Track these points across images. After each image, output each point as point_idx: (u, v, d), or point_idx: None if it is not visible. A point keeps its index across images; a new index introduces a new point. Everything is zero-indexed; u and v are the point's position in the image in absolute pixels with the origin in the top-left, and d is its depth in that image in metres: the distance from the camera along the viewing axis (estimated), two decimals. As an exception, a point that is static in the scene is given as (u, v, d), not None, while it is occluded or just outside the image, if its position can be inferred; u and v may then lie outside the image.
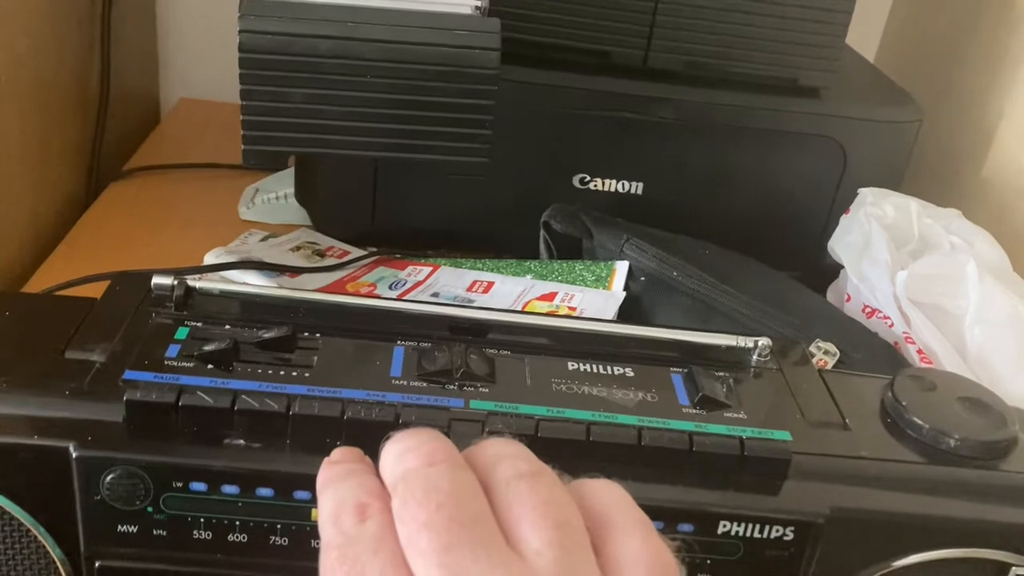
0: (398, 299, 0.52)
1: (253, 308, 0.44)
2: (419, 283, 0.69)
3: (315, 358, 0.40)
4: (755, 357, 0.43)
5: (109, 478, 0.35)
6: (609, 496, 0.28)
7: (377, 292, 0.68)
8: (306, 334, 0.41)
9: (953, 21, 0.88)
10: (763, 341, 0.43)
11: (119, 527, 0.36)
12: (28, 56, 0.69)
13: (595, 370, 0.42)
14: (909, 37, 0.98)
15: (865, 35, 0.98)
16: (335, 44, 0.50)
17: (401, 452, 0.28)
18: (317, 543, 0.36)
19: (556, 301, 0.64)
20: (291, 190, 0.78)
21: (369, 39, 0.50)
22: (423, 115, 0.52)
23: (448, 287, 0.68)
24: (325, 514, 0.28)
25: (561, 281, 0.67)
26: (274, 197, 0.79)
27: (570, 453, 0.36)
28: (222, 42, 0.95)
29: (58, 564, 0.37)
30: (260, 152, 0.52)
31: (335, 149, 0.52)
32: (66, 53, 0.76)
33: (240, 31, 0.49)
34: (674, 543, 0.28)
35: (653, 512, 0.36)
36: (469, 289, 0.67)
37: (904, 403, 0.41)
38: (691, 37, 0.69)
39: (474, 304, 0.65)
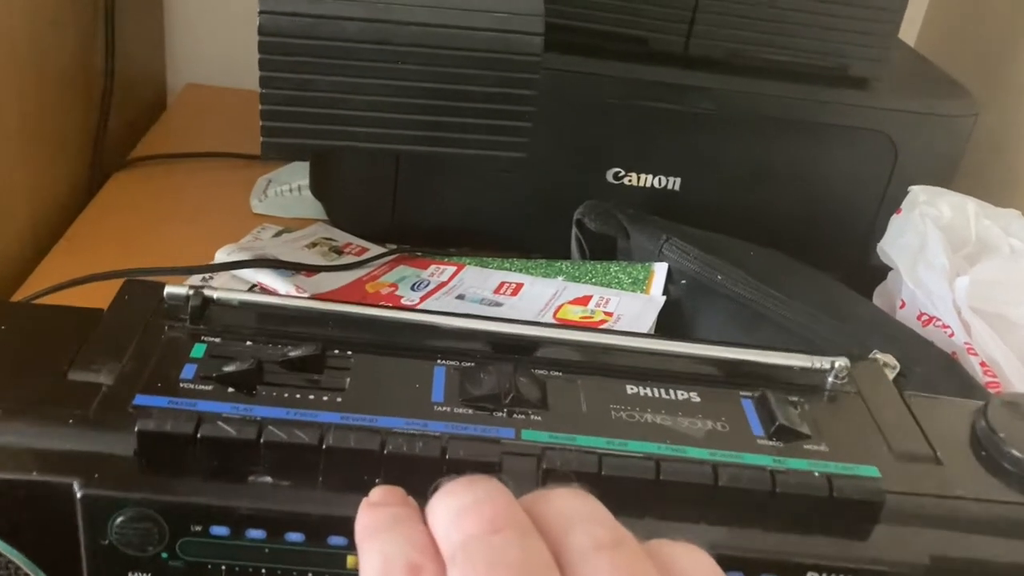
0: (433, 311, 0.48)
1: (275, 320, 0.39)
2: (443, 284, 0.65)
3: (347, 379, 0.36)
4: (831, 379, 0.39)
5: (119, 520, 0.31)
6: (694, 566, 0.24)
7: (399, 293, 0.64)
8: (336, 351, 0.37)
9: (1003, 3, 0.83)
10: (840, 362, 0.39)
11: (129, 575, 0.32)
12: (28, 39, 0.65)
13: (657, 394, 0.37)
14: (952, 23, 0.93)
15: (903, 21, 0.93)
16: (364, 27, 0.45)
17: (458, 512, 0.24)
18: (353, 594, 0.32)
19: (591, 305, 0.60)
20: (306, 182, 0.74)
21: (401, 21, 0.46)
22: (458, 106, 0.48)
23: (474, 288, 0.64)
24: (369, 572, 0.24)
25: (595, 283, 0.62)
26: (287, 189, 0.75)
27: (636, 492, 0.33)
28: (232, 24, 0.91)
29: (60, 613, 0.33)
30: (280, 145, 0.48)
31: (362, 142, 0.48)
32: (68, 36, 0.72)
33: (260, 12, 0.44)
34: None
35: (732, 562, 0.32)
36: (496, 291, 0.63)
37: (1001, 434, 0.37)
38: (735, 23, 0.65)
39: (503, 307, 0.61)
